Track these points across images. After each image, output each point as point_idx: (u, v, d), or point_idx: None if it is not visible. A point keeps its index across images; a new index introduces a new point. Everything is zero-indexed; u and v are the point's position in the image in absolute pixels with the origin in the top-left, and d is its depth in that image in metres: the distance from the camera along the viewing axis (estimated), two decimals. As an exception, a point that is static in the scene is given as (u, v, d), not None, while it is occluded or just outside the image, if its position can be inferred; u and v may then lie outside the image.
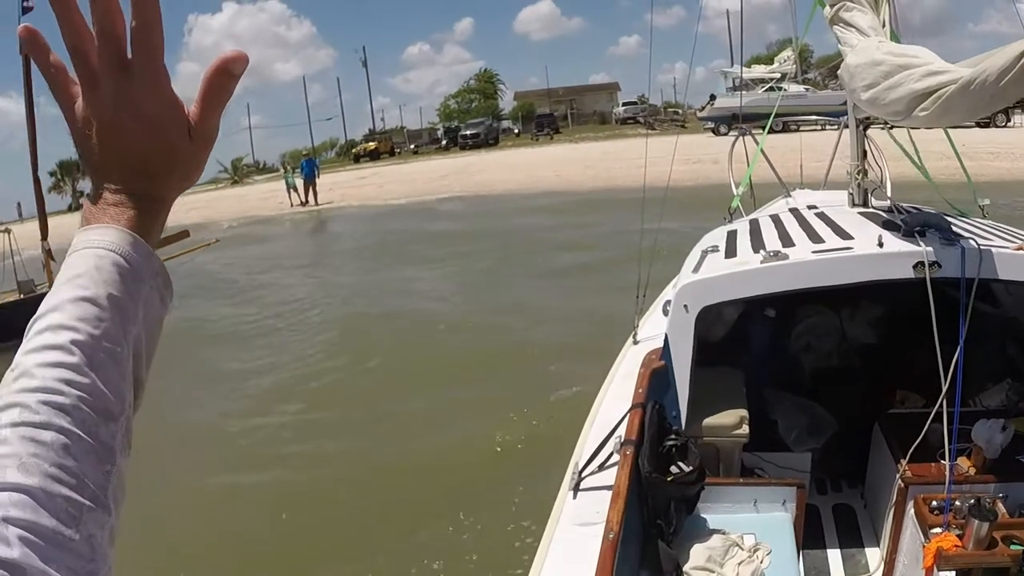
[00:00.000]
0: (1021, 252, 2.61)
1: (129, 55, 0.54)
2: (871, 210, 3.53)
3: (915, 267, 2.54)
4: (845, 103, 3.76)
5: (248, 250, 18.12)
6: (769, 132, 5.19)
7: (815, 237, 3.06)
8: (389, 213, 22.15)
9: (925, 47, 2.50)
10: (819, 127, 15.52)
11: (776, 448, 3.21)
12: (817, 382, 3.60)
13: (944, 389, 2.46)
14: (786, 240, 3.11)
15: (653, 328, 3.76)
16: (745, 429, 2.91)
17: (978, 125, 19.27)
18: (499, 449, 5.46)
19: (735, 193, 4.90)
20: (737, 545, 2.56)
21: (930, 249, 2.54)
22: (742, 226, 3.70)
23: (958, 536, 2.33)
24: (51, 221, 10.39)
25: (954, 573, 2.35)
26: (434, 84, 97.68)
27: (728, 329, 3.46)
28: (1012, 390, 3.22)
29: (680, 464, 2.55)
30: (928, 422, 2.60)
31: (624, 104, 49.03)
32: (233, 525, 4.92)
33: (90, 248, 0.54)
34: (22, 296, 10.62)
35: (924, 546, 2.42)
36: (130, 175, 0.56)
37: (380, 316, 10.19)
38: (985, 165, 14.50)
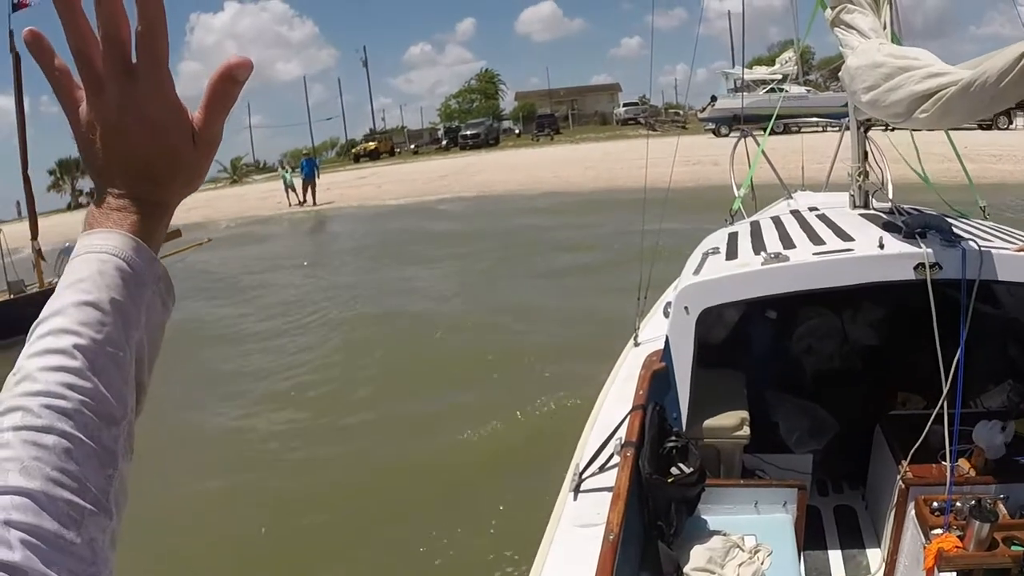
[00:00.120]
0: (1022, 253, 2.61)
1: (134, 59, 0.54)
2: (872, 212, 3.54)
3: (916, 268, 2.54)
4: (846, 105, 3.77)
5: (247, 250, 18.10)
6: (770, 134, 5.19)
7: (816, 239, 3.06)
8: (388, 213, 22.09)
9: (926, 49, 2.51)
10: (820, 129, 15.54)
11: (777, 450, 3.21)
12: (818, 384, 3.60)
13: (945, 390, 2.46)
14: (787, 242, 3.11)
15: (654, 330, 3.77)
16: (746, 431, 2.91)
17: (980, 127, 19.29)
18: (499, 450, 5.45)
19: (736, 195, 4.90)
20: (738, 546, 2.57)
21: (931, 250, 2.54)
22: (743, 228, 3.70)
23: (959, 537, 2.34)
24: (50, 220, 10.43)
25: (955, 574, 2.35)
26: (435, 84, 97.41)
27: (729, 331, 3.46)
28: (1013, 391, 3.22)
29: (681, 465, 2.56)
30: (929, 423, 2.60)
31: (625, 105, 48.93)
32: (232, 526, 4.91)
33: (93, 252, 0.54)
34: (12, 297, 10.61)
35: (925, 547, 2.42)
36: (134, 179, 0.56)
37: (379, 316, 10.17)
38: (987, 167, 14.49)
